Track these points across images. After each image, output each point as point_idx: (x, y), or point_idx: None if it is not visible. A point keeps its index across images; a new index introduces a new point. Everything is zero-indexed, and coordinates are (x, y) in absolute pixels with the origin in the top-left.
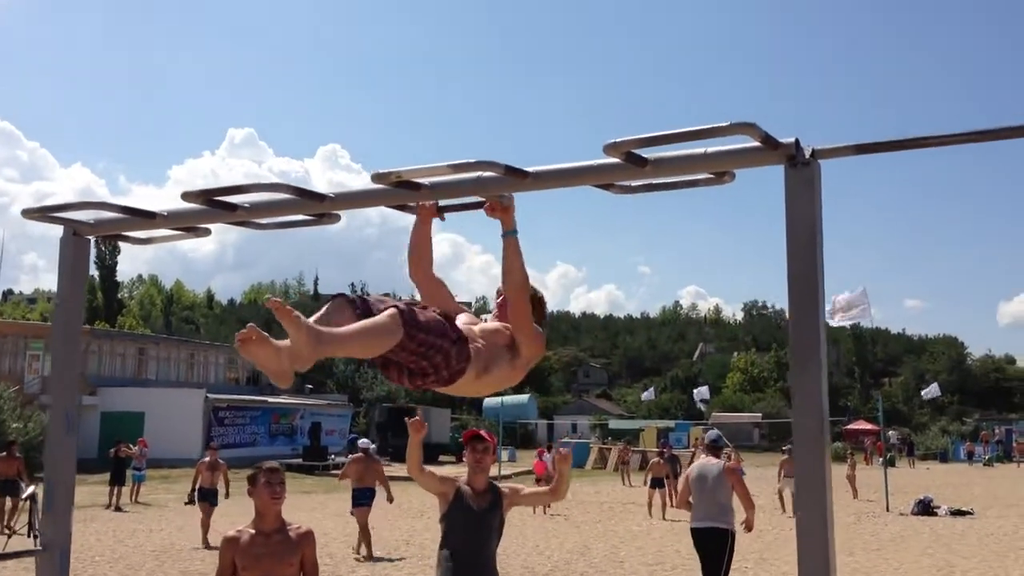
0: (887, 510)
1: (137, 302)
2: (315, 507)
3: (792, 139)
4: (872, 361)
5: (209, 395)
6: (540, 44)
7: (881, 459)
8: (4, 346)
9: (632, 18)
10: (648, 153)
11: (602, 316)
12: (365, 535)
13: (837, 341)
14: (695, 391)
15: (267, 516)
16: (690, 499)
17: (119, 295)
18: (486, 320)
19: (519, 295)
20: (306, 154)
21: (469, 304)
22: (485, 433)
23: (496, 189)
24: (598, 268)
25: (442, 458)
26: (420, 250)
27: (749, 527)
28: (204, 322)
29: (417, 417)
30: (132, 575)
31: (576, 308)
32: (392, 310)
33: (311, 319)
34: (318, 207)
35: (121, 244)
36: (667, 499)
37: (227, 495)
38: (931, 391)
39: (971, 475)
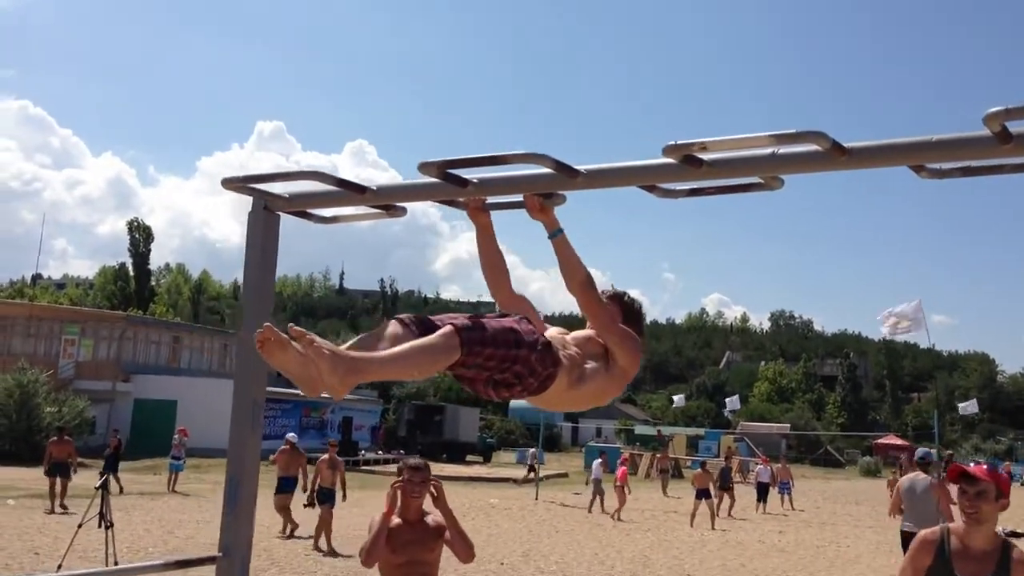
0: None
1: (165, 291)
2: (352, 504)
3: None
4: (901, 375)
5: None
6: (570, 43)
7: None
8: (40, 330)
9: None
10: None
11: None
12: (287, 517)
13: (865, 353)
14: (727, 400)
15: (409, 507)
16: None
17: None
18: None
19: (587, 294)
20: (334, 149)
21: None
22: (976, 468)
23: (811, 166)
24: (622, 273)
25: (469, 458)
26: (496, 267)
27: None
28: (230, 313)
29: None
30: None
31: None
32: (448, 328)
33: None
34: (563, 184)
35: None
36: (716, 510)
37: (344, 497)
38: (969, 407)
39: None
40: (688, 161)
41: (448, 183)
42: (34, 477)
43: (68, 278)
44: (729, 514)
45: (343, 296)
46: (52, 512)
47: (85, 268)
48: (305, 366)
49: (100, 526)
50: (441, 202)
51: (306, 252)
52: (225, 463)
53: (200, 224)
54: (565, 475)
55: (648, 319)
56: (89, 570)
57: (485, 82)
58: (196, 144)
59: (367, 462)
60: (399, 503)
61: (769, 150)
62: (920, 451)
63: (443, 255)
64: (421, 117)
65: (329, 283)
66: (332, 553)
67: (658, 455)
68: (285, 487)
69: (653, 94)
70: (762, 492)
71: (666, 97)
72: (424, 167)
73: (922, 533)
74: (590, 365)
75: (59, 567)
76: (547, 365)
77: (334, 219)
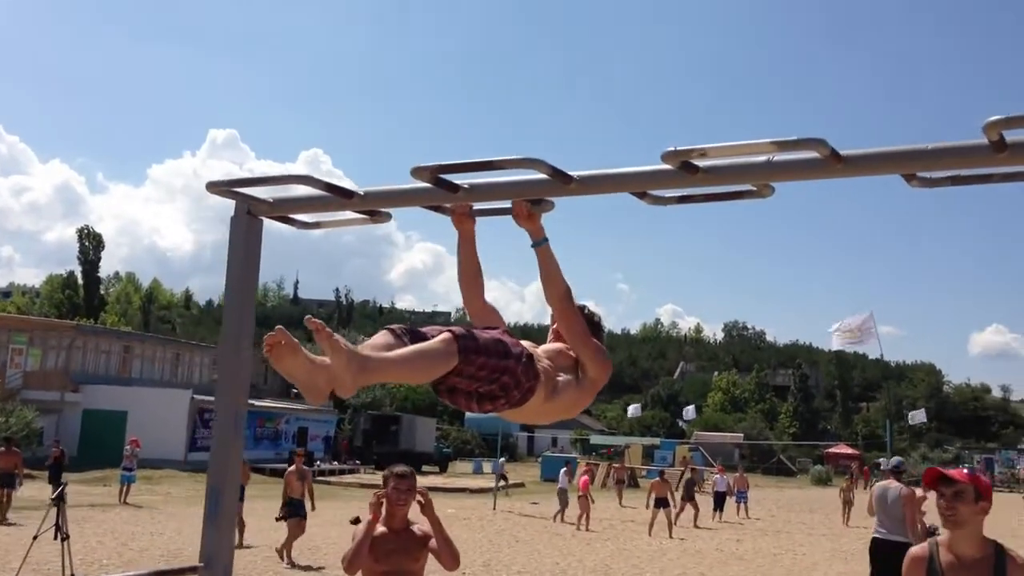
0: None
1: (114, 299)
2: (310, 515)
3: None
4: (851, 385)
5: (195, 396)
6: (522, 49)
7: (867, 483)
8: None
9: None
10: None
11: None
12: (240, 525)
13: (816, 363)
14: (684, 410)
15: (395, 516)
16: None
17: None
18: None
19: (566, 305)
20: (288, 158)
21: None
22: (955, 471)
23: (806, 174)
24: (576, 283)
25: (425, 468)
26: (474, 276)
27: None
28: (181, 322)
29: None
30: None
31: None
32: (446, 335)
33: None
34: (556, 190)
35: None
36: (675, 519)
37: (313, 507)
38: (918, 416)
39: None
40: (685, 168)
41: (439, 188)
42: None
43: (14, 286)
44: (695, 524)
45: (297, 306)
46: (1, 523)
47: (31, 276)
48: (312, 373)
49: (56, 538)
50: (428, 208)
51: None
52: (175, 475)
53: (150, 232)
54: (522, 485)
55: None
56: None
57: (442, 91)
58: (147, 152)
59: (322, 472)
60: (383, 512)
61: (765, 157)
62: (894, 460)
63: (398, 265)
64: (377, 127)
65: (283, 293)
66: (292, 565)
67: (615, 465)
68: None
69: (624, 103)
70: (719, 501)
71: (635, 105)
72: (417, 171)
73: (911, 552)
74: (562, 378)
75: None
76: (529, 377)
77: (316, 225)
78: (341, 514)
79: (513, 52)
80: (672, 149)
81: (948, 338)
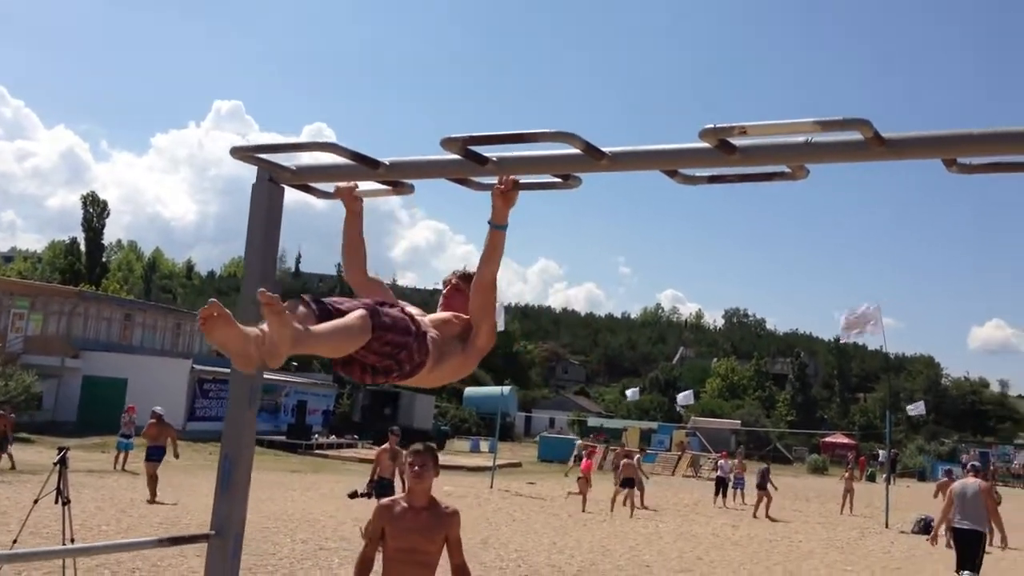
0: (886, 527)
1: (116, 267)
2: (308, 487)
3: None
4: (849, 376)
5: (195, 366)
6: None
7: (863, 473)
8: None
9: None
10: None
11: (582, 313)
12: (153, 483)
13: (816, 353)
14: (679, 396)
15: (415, 492)
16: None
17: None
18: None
19: (489, 288)
20: (292, 131)
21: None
22: None
23: (845, 156)
24: (579, 266)
25: None
26: (356, 251)
27: (1004, 544)
28: (183, 292)
29: None
30: (149, 552)
31: (555, 303)
32: (361, 311)
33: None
34: (587, 165)
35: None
36: (634, 500)
37: (404, 488)
38: (917, 408)
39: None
40: (721, 146)
41: (468, 160)
42: None
43: (16, 251)
44: (767, 515)
45: (298, 279)
46: None
47: (33, 242)
48: (245, 342)
49: (56, 502)
50: (455, 180)
51: None
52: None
53: (153, 201)
54: (519, 465)
55: (603, 312)
56: (86, 545)
57: (451, 66)
58: (151, 121)
59: (320, 446)
60: (408, 488)
61: (804, 137)
62: (976, 463)
63: (401, 242)
64: (381, 103)
65: (285, 266)
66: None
67: (612, 448)
68: (154, 455)
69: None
70: (721, 486)
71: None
72: (447, 142)
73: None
74: (448, 347)
75: (14, 542)
76: (422, 354)
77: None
78: (339, 488)
79: (526, 25)
80: (711, 126)
81: (948, 331)
